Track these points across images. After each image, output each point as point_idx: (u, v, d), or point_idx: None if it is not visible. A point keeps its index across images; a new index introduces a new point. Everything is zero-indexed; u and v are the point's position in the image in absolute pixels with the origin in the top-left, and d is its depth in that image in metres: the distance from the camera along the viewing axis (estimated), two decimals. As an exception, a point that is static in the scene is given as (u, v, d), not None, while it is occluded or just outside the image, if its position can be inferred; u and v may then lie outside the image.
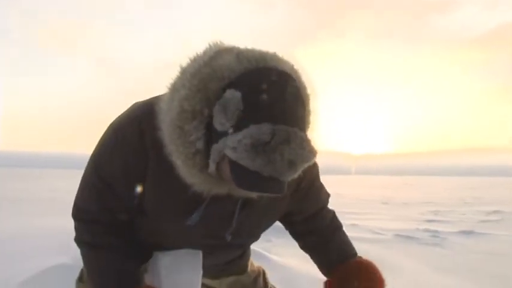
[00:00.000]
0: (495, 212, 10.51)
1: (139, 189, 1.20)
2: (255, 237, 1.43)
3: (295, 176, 1.02)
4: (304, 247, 1.53)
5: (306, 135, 1.01)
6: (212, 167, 1.04)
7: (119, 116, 1.24)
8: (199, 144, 1.04)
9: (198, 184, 1.11)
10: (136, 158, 1.17)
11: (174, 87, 1.08)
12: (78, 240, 1.29)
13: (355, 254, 1.48)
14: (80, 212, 1.27)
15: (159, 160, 1.14)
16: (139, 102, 1.25)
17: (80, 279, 1.49)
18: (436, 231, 6.08)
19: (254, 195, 1.17)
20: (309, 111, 1.07)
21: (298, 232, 1.52)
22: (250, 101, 0.98)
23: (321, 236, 1.48)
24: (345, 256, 1.46)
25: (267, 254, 3.96)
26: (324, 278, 1.44)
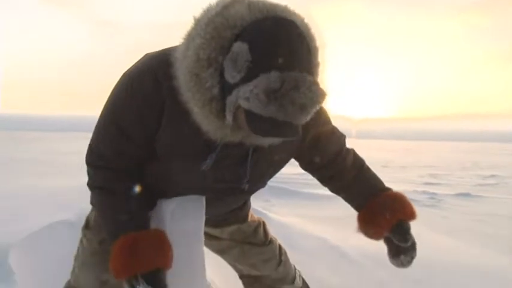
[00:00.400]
0: (492, 176, 10.58)
1: (153, 135, 1.25)
2: (264, 183, 1.48)
3: (308, 118, 1.08)
4: (333, 190, 1.61)
5: (314, 79, 1.05)
6: (229, 118, 1.09)
7: (134, 65, 1.28)
8: (215, 91, 1.08)
9: (213, 131, 1.16)
10: (152, 106, 1.21)
11: (189, 37, 1.13)
12: (91, 185, 1.35)
13: (385, 187, 1.55)
14: (94, 158, 1.32)
15: (174, 108, 1.19)
16: (152, 52, 1.29)
17: (86, 226, 1.54)
18: (434, 194, 6.15)
19: (266, 142, 1.21)
20: (317, 62, 1.10)
21: (323, 177, 1.59)
22: (258, 51, 1.02)
23: (347, 177, 1.55)
24: (375, 190, 1.53)
25: (266, 212, 4.03)
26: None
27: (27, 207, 3.66)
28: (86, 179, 1.47)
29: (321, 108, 1.42)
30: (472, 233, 4.16)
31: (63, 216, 3.19)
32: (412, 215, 1.49)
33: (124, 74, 1.29)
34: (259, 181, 1.45)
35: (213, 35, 1.07)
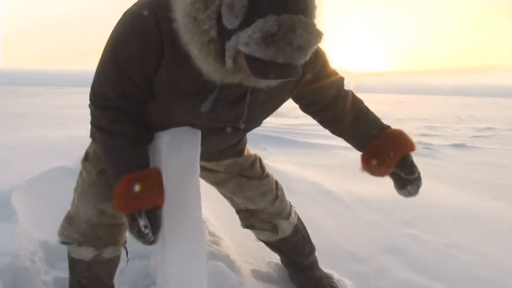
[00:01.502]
0: (488, 128, 10.64)
1: (153, 75, 1.28)
2: (260, 123, 1.52)
3: (306, 58, 1.11)
4: (334, 132, 1.66)
5: (311, 20, 1.07)
6: (229, 62, 1.13)
7: (135, 5, 1.29)
8: (213, 33, 1.12)
9: (213, 72, 1.19)
10: (153, 46, 1.24)
11: None
12: (95, 125, 1.40)
13: (384, 125, 1.60)
14: (97, 97, 1.36)
15: (174, 49, 1.22)
16: None
17: (86, 158, 1.59)
18: (429, 144, 6.22)
19: (264, 84, 1.25)
20: (314, 5, 1.12)
21: (324, 120, 1.63)
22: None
23: (347, 118, 1.59)
24: (375, 129, 1.58)
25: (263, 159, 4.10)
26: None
27: (27, 156, 3.71)
28: (84, 130, 1.51)
29: (319, 51, 1.45)
30: (464, 180, 4.25)
31: (62, 163, 3.26)
32: (412, 147, 1.56)
33: (124, 14, 1.30)
34: (255, 121, 1.49)
35: None
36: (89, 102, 1.39)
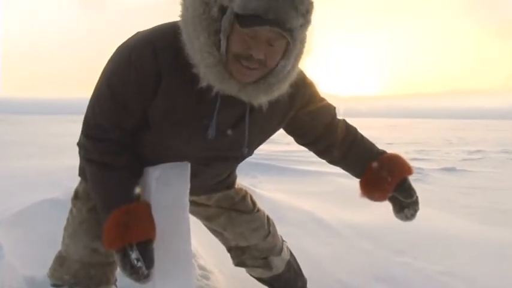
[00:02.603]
0: (478, 151, 10.77)
1: (149, 105, 1.29)
2: (253, 150, 1.52)
3: (296, 23, 1.15)
4: (331, 162, 1.66)
5: None
6: (223, 42, 1.17)
7: (131, 40, 1.31)
8: (218, 25, 1.16)
9: (211, 74, 1.21)
10: (150, 75, 1.25)
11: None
12: (86, 158, 1.38)
13: (380, 150, 1.61)
14: (90, 129, 1.35)
15: (174, 76, 1.25)
16: (145, 30, 1.33)
17: (75, 197, 1.58)
18: (420, 168, 6.25)
19: (262, 100, 1.28)
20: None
21: (319, 150, 1.64)
22: None
23: (342, 147, 1.60)
24: (372, 155, 1.59)
25: (253, 188, 4.08)
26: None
27: (17, 187, 3.69)
28: (74, 159, 1.50)
29: (307, 81, 1.48)
30: (455, 204, 4.27)
31: (52, 195, 3.23)
32: (410, 171, 1.56)
33: (120, 48, 1.32)
34: (254, 146, 1.49)
35: None
36: (80, 138, 1.39)
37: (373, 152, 1.61)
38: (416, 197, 1.54)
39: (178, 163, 1.41)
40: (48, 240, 1.75)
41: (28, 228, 2.70)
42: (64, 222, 1.62)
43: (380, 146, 1.67)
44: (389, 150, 1.64)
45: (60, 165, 4.67)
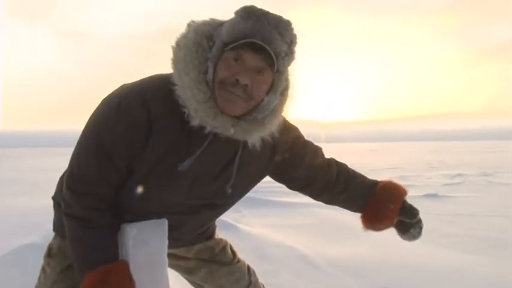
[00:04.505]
0: (458, 175, 10.90)
1: (138, 158, 1.26)
2: (237, 198, 1.49)
3: (282, 39, 1.18)
4: (328, 202, 1.65)
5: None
6: (210, 70, 1.19)
7: (120, 90, 1.29)
8: (205, 66, 1.19)
9: (203, 111, 1.20)
10: (140, 126, 1.23)
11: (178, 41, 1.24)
12: (67, 212, 1.31)
13: (373, 182, 1.61)
14: (75, 182, 1.30)
15: (164, 123, 1.23)
16: (131, 82, 1.31)
17: (48, 254, 1.52)
18: (402, 196, 6.28)
19: (255, 137, 1.28)
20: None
21: (314, 193, 1.62)
22: (234, 22, 1.18)
23: (336, 187, 1.59)
24: (367, 189, 1.58)
25: (236, 224, 4.05)
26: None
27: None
28: (50, 199, 1.46)
29: (290, 125, 1.47)
30: (439, 234, 4.27)
31: (32, 239, 3.16)
32: (405, 192, 1.58)
33: (106, 99, 1.29)
34: (235, 188, 1.46)
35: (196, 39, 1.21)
36: (57, 192, 1.34)
37: (367, 184, 1.60)
38: (419, 216, 1.56)
39: (155, 220, 1.38)
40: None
41: (6, 276, 2.63)
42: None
43: (363, 173, 1.67)
44: (372, 177, 1.64)
45: (40, 204, 4.56)
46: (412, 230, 1.54)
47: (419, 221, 1.55)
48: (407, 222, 1.54)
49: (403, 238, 1.58)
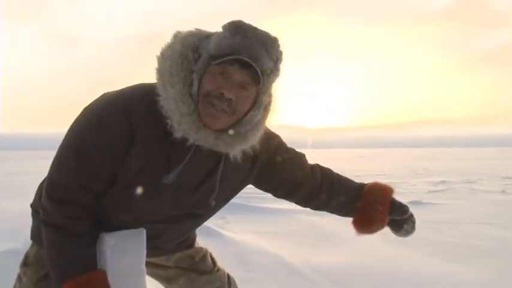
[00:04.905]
0: (442, 182, 11.00)
1: (119, 166, 1.25)
2: (220, 205, 1.48)
3: (268, 56, 1.19)
4: (315, 208, 1.64)
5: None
6: (196, 82, 1.19)
7: (102, 98, 1.28)
8: (193, 70, 1.20)
9: (186, 124, 1.20)
10: (122, 134, 1.22)
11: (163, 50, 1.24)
12: (45, 220, 1.29)
13: (360, 185, 1.61)
14: (55, 190, 1.28)
15: (147, 132, 1.23)
16: (114, 91, 1.30)
17: (25, 263, 1.49)
18: (387, 203, 6.31)
19: (236, 150, 1.28)
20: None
21: (300, 200, 1.61)
22: (222, 37, 1.18)
23: (322, 192, 1.58)
24: (354, 193, 1.58)
25: (220, 230, 4.03)
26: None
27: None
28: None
29: (272, 133, 1.47)
30: (423, 241, 4.27)
31: (11, 245, 3.11)
32: (392, 191, 1.58)
33: (88, 108, 1.28)
34: (218, 200, 1.45)
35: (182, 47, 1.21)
36: (35, 200, 1.32)
37: (353, 188, 1.60)
38: (410, 211, 1.55)
39: (134, 230, 1.37)
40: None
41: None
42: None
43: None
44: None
45: (19, 209, 4.47)
46: (405, 226, 1.54)
47: (411, 215, 1.55)
48: (400, 220, 1.54)
49: (398, 235, 1.58)
